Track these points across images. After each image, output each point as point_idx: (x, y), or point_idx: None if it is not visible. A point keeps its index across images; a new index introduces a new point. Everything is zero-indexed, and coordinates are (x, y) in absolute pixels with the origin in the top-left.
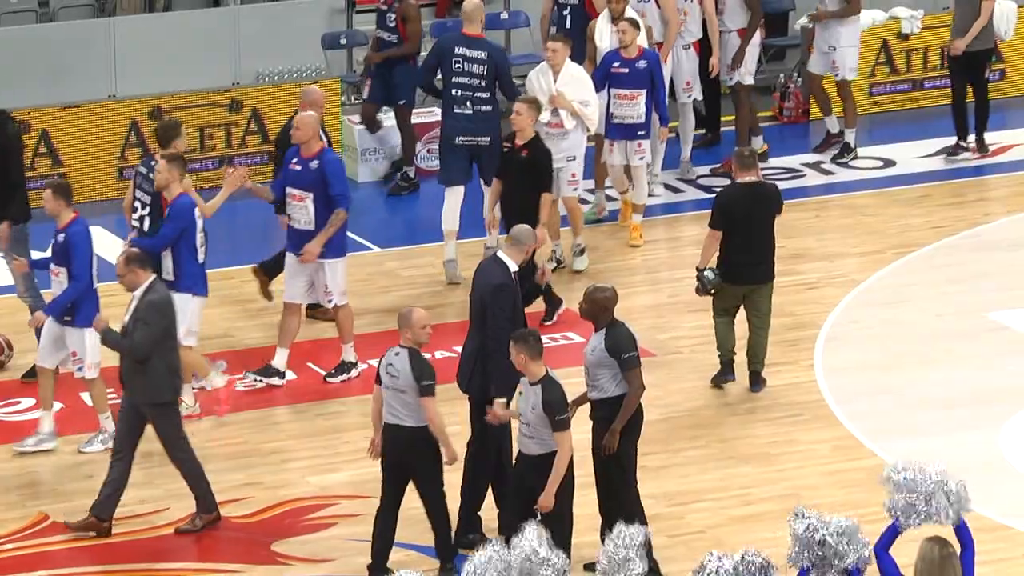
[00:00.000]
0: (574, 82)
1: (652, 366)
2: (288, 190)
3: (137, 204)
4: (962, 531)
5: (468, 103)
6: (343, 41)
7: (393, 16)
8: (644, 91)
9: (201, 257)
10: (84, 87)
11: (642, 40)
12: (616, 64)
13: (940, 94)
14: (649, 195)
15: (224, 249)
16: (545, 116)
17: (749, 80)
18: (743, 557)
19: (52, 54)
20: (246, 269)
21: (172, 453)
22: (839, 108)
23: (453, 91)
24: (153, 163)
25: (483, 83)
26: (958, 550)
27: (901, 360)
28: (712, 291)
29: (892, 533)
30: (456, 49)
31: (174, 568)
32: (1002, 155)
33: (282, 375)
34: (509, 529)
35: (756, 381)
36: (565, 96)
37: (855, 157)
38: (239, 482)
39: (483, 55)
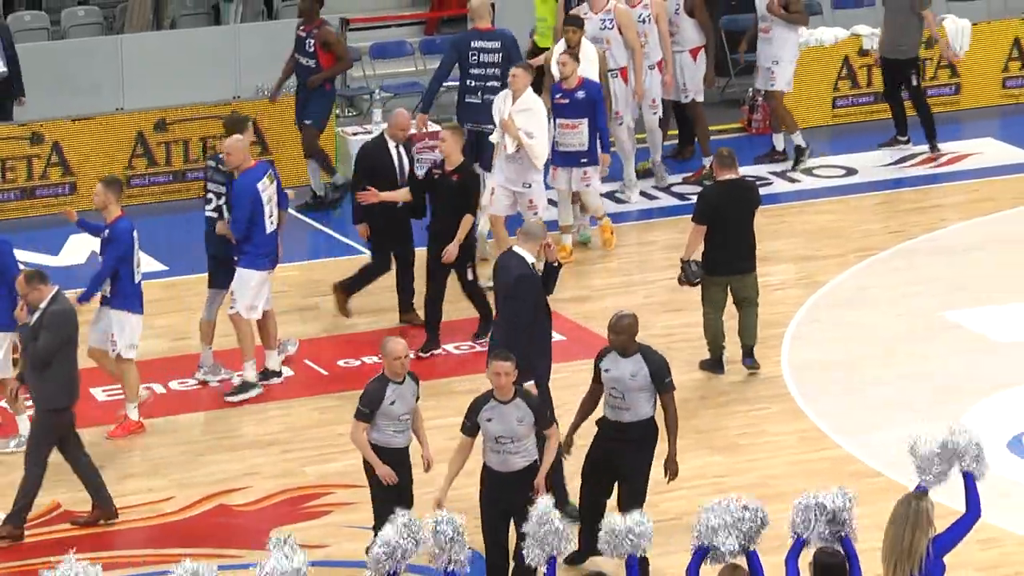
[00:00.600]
0: (525, 112)
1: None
2: None
3: (211, 196)
4: (970, 494)
5: (479, 92)
6: None
7: (312, 42)
8: (585, 120)
9: (137, 277)
10: (93, 100)
11: (584, 71)
12: (558, 95)
13: None
14: (626, 201)
15: None
16: (496, 136)
17: (700, 97)
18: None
19: (63, 69)
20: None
21: (29, 454)
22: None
23: (467, 82)
24: (220, 156)
25: (497, 72)
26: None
27: (862, 357)
28: (696, 281)
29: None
30: (472, 43)
31: (177, 553)
32: (957, 164)
33: (278, 374)
34: (498, 549)
35: (749, 354)
36: (514, 124)
37: (811, 155)
38: (240, 472)
39: (497, 44)
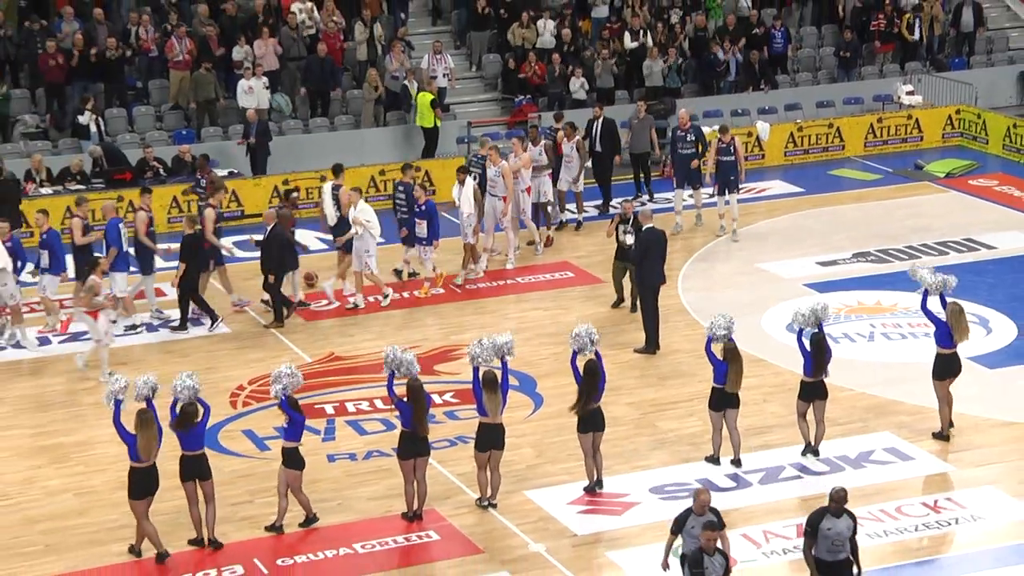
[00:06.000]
0: (363, 211)
1: (590, 293)
2: None
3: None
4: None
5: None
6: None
7: (204, 180)
8: (426, 221)
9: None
10: (330, 162)
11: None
12: (416, 206)
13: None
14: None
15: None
16: (356, 229)
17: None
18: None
19: (311, 148)
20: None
21: None
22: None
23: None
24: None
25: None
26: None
27: (711, 285)
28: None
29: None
30: (676, 131)
31: (357, 378)
32: (762, 193)
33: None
34: None
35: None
36: (360, 217)
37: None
38: (410, 339)
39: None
